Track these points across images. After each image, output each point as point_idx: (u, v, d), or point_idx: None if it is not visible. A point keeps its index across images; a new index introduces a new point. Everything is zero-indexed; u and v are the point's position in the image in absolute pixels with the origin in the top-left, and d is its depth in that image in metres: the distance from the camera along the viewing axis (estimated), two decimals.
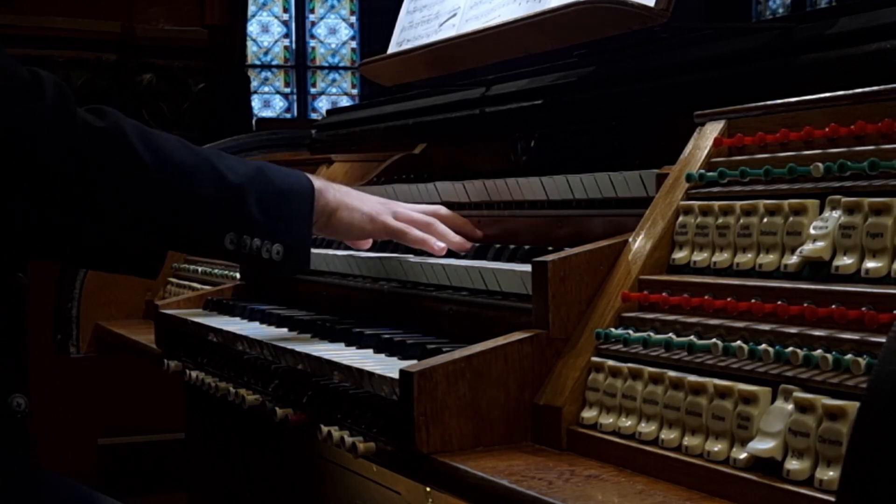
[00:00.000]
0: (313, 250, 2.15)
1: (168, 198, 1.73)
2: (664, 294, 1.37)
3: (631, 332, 1.36)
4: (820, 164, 1.28)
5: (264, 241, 1.77)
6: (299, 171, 1.89)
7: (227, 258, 1.83)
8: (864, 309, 1.11)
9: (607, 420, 1.33)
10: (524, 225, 1.99)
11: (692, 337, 1.28)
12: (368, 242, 2.03)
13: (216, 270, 2.89)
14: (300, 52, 13.34)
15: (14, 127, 1.60)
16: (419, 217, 1.97)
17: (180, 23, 5.23)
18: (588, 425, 1.35)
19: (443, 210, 2.02)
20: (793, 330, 1.17)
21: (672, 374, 1.26)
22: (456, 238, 1.98)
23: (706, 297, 1.30)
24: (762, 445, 1.11)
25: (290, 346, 1.80)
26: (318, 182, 1.87)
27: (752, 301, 1.24)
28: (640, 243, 1.47)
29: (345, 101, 13.08)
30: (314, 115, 12.70)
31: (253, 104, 10.96)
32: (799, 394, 1.09)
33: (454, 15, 2.38)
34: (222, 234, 1.76)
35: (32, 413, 1.76)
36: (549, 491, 1.18)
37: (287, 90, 13.31)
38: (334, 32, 13.51)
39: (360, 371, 1.55)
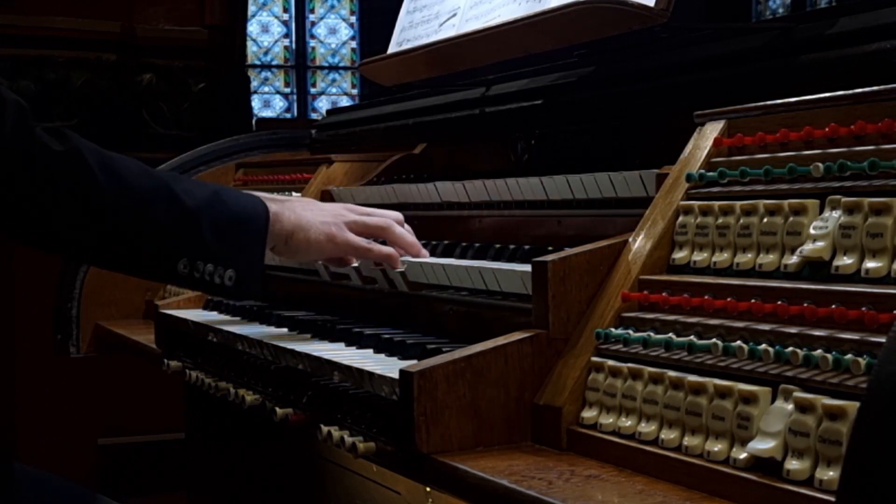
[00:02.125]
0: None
1: (123, 223, 1.75)
2: (664, 294, 1.37)
3: (631, 332, 1.36)
4: (820, 164, 1.28)
5: (217, 266, 1.78)
6: (256, 196, 1.88)
7: (179, 283, 1.84)
8: (864, 309, 1.11)
9: (607, 420, 1.33)
10: (524, 225, 1.99)
11: (692, 337, 1.28)
12: (352, 260, 2.00)
13: None
14: (300, 52, 13.34)
15: None
16: (374, 221, 1.95)
17: (180, 23, 5.22)
18: (588, 425, 1.35)
19: (394, 217, 1.99)
20: (793, 330, 1.17)
21: (672, 374, 1.26)
22: (412, 239, 1.97)
23: (706, 297, 1.30)
24: (762, 445, 1.11)
25: (290, 345, 1.80)
26: (273, 206, 1.86)
27: (752, 301, 1.24)
28: (640, 243, 1.47)
29: (345, 101, 13.08)
30: (314, 115, 12.70)
31: (253, 104, 10.96)
32: (799, 394, 1.09)
33: (454, 15, 2.38)
34: (176, 259, 1.77)
35: (30, 416, 1.76)
36: (549, 491, 1.18)
37: (287, 90, 13.31)
38: (334, 32, 13.51)
39: (360, 371, 1.55)
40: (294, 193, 2.85)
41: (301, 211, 1.90)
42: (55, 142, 1.72)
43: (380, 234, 1.96)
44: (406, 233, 1.98)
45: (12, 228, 1.76)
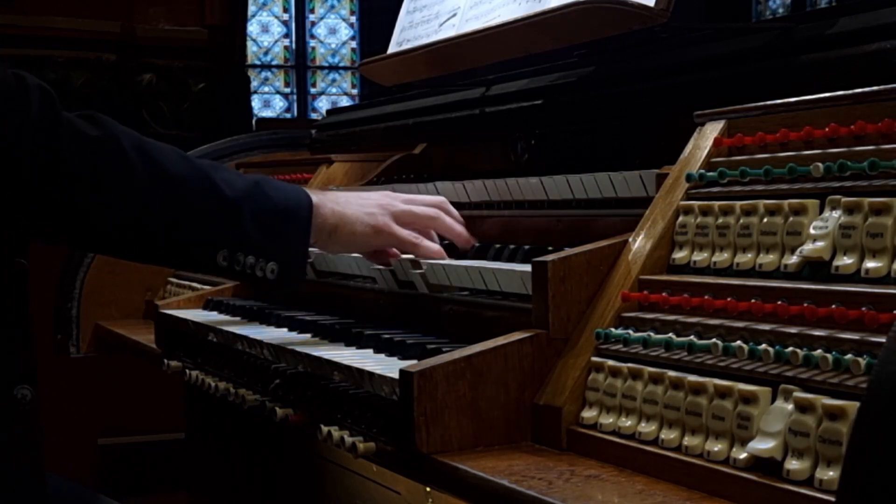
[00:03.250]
0: (313, 250, 2.15)
1: (161, 211, 1.68)
2: (664, 294, 1.37)
3: (631, 332, 1.36)
4: (820, 164, 1.28)
5: (258, 259, 1.73)
6: (298, 186, 1.83)
7: (219, 275, 1.78)
8: (864, 309, 1.11)
9: (607, 420, 1.33)
10: (524, 225, 1.99)
11: (692, 337, 1.28)
12: (396, 254, 1.93)
13: None
14: (300, 52, 13.34)
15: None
16: (423, 213, 1.91)
17: (180, 23, 5.23)
18: (588, 425, 1.35)
19: (442, 203, 1.97)
20: (793, 330, 1.17)
21: (672, 374, 1.26)
22: (460, 229, 1.93)
23: (706, 297, 1.30)
24: (762, 445, 1.11)
25: (290, 346, 1.80)
26: (315, 197, 1.81)
27: (752, 301, 1.24)
28: (640, 243, 1.47)
29: (345, 101, 13.08)
30: (314, 115, 12.70)
31: (253, 104, 10.96)
32: (799, 394, 1.09)
33: (454, 15, 2.38)
34: (215, 250, 1.71)
35: (40, 406, 1.74)
36: (549, 491, 1.18)
37: (287, 90, 13.31)
38: (334, 32, 13.51)
39: (360, 371, 1.55)
40: None
41: (345, 203, 1.84)
42: (89, 126, 1.66)
43: (429, 226, 1.92)
44: (454, 223, 1.93)
45: (43, 220, 1.68)
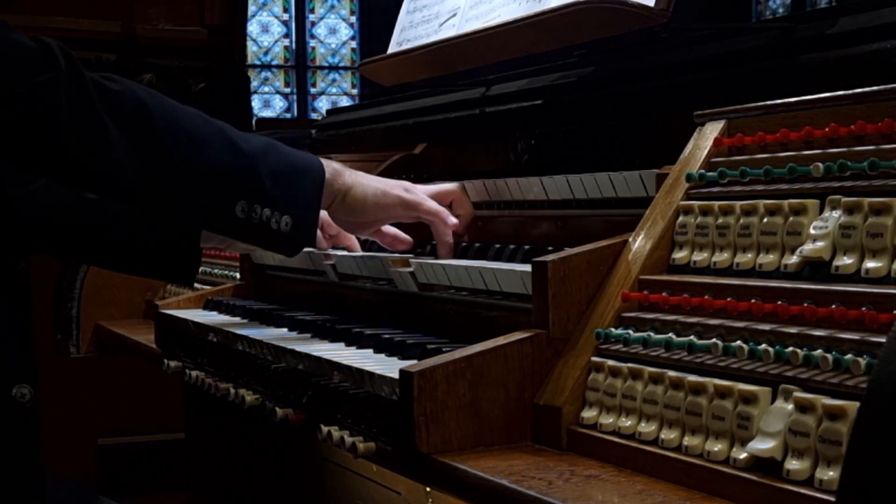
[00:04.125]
0: (314, 251, 2.15)
1: (181, 160, 1.72)
2: (664, 294, 1.37)
3: (631, 332, 1.36)
4: (820, 164, 1.28)
5: (274, 211, 1.76)
6: (309, 153, 1.90)
7: (235, 230, 1.79)
8: (864, 309, 1.11)
9: (607, 420, 1.33)
10: (524, 225, 1.99)
11: (692, 337, 1.28)
12: (408, 240, 2.03)
13: (216, 270, 2.89)
14: (300, 52, 13.34)
15: (31, 98, 1.58)
16: (442, 187, 1.99)
17: (180, 23, 5.23)
18: (588, 425, 1.35)
19: (456, 190, 2.04)
20: (793, 330, 1.17)
21: (672, 374, 1.26)
22: (448, 240, 1.99)
23: (706, 297, 1.30)
24: (762, 445, 1.11)
25: (290, 345, 1.80)
26: (335, 164, 1.89)
27: (752, 301, 1.24)
28: (640, 243, 1.47)
29: (345, 101, 13.08)
30: (314, 115, 12.70)
31: (253, 104, 10.97)
32: (799, 394, 1.09)
33: (454, 15, 2.38)
34: (233, 201, 1.74)
35: (39, 405, 1.74)
36: (549, 491, 1.18)
37: (287, 90, 13.31)
38: (334, 32, 13.51)
39: (361, 371, 1.55)
40: None
41: (362, 174, 1.93)
42: (109, 83, 1.69)
43: (448, 197, 2.00)
44: (446, 231, 1.99)
45: (72, 179, 1.70)
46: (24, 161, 1.67)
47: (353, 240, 2.18)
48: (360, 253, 2.09)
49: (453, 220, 1.98)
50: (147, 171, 1.70)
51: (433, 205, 1.96)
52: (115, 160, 1.66)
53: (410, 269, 1.87)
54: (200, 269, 2.95)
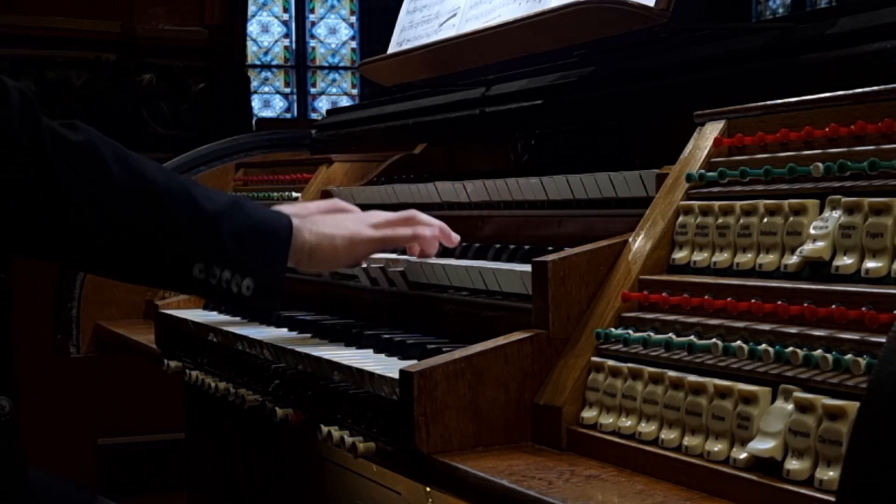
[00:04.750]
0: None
1: (138, 217, 1.67)
2: (664, 294, 1.37)
3: (631, 332, 1.36)
4: (820, 164, 1.28)
5: (234, 274, 1.70)
6: (276, 210, 1.83)
7: (193, 290, 1.75)
8: (864, 309, 1.11)
9: (607, 420, 1.33)
10: (524, 225, 1.99)
11: (692, 337, 1.28)
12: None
13: None
14: (300, 52, 13.33)
15: None
16: (396, 217, 1.91)
17: (180, 23, 5.22)
18: (588, 425, 1.35)
19: (417, 212, 1.96)
20: (793, 330, 1.17)
21: (672, 374, 1.26)
22: (438, 222, 1.92)
23: (706, 297, 1.30)
24: (762, 445, 1.11)
25: (290, 346, 1.80)
26: (295, 220, 1.80)
27: (752, 301, 1.24)
28: (640, 243, 1.47)
29: (345, 101, 13.07)
30: (314, 115, 12.69)
31: (253, 104, 10.96)
32: (799, 394, 1.09)
33: (454, 15, 2.38)
34: (192, 262, 1.69)
35: (31, 416, 1.73)
36: (549, 491, 1.18)
37: (287, 90, 13.30)
38: (334, 32, 13.51)
39: (361, 371, 1.55)
40: (294, 194, 2.85)
41: (322, 223, 1.85)
42: (69, 132, 1.64)
43: (407, 225, 1.90)
44: (432, 219, 1.93)
45: (21, 226, 1.65)
46: None
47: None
48: None
49: (433, 230, 1.89)
50: (98, 225, 1.65)
51: (406, 232, 1.87)
52: (66, 212, 1.62)
53: (401, 269, 1.86)
54: None
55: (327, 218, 1.88)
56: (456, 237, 1.93)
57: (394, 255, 2.01)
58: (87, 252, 1.70)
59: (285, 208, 1.87)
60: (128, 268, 1.76)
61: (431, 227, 1.92)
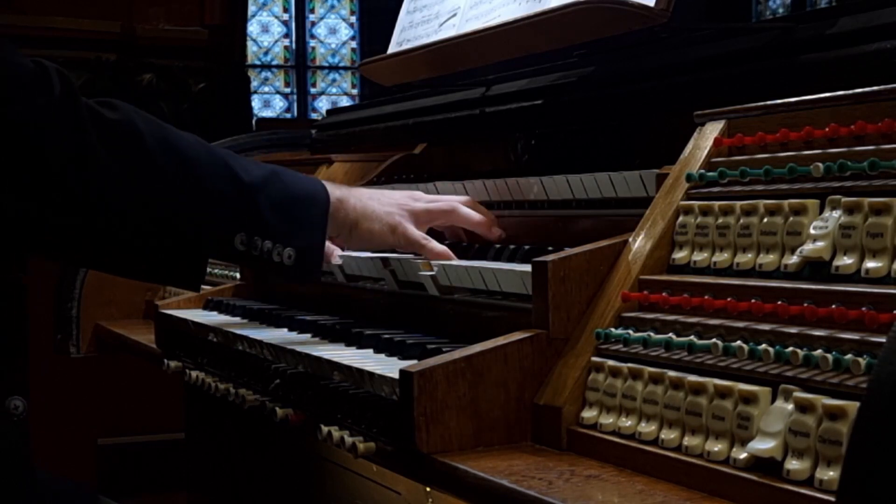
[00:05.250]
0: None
1: (179, 193, 1.68)
2: (664, 294, 1.37)
3: (631, 332, 1.36)
4: (820, 164, 1.28)
5: (276, 243, 1.74)
6: (315, 178, 1.85)
7: (236, 260, 1.78)
8: (864, 309, 1.11)
9: (607, 420, 1.33)
10: (524, 225, 1.99)
11: (692, 337, 1.28)
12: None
13: (216, 270, 2.89)
14: (300, 52, 13.34)
15: (23, 120, 1.57)
16: (438, 207, 1.94)
17: (180, 23, 5.23)
18: (588, 425, 1.35)
19: (461, 200, 1.99)
20: (793, 330, 1.17)
21: (672, 374, 1.26)
22: (479, 217, 1.95)
23: (706, 297, 1.30)
24: (762, 445, 1.11)
25: (290, 346, 1.80)
26: (338, 191, 1.83)
27: (752, 301, 1.24)
28: (640, 243, 1.47)
29: (345, 101, 13.08)
30: (314, 115, 12.69)
31: (253, 104, 10.96)
32: (799, 394, 1.09)
33: (454, 15, 2.38)
34: (233, 233, 1.72)
35: (31, 416, 1.73)
36: (549, 491, 1.18)
37: (287, 90, 13.31)
38: (334, 32, 13.51)
39: (361, 371, 1.55)
40: None
41: (367, 200, 1.88)
42: (107, 110, 1.66)
43: (447, 219, 1.94)
44: (472, 213, 1.95)
45: (61, 209, 1.63)
46: (12, 186, 1.61)
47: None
48: (362, 254, 2.09)
49: (442, 248, 1.90)
50: (139, 201, 1.66)
51: (437, 248, 1.88)
52: (105, 190, 1.63)
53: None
54: None
55: (373, 195, 1.91)
56: (497, 233, 1.96)
57: (394, 255, 2.01)
58: (126, 228, 1.69)
59: (399, 195, 1.93)
60: (170, 243, 1.74)
61: (469, 220, 1.95)
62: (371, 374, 1.52)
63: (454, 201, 1.97)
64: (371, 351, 1.71)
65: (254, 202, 1.73)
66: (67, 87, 1.62)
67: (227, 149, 1.83)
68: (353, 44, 13.51)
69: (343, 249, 2.01)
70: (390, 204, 1.91)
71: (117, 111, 1.67)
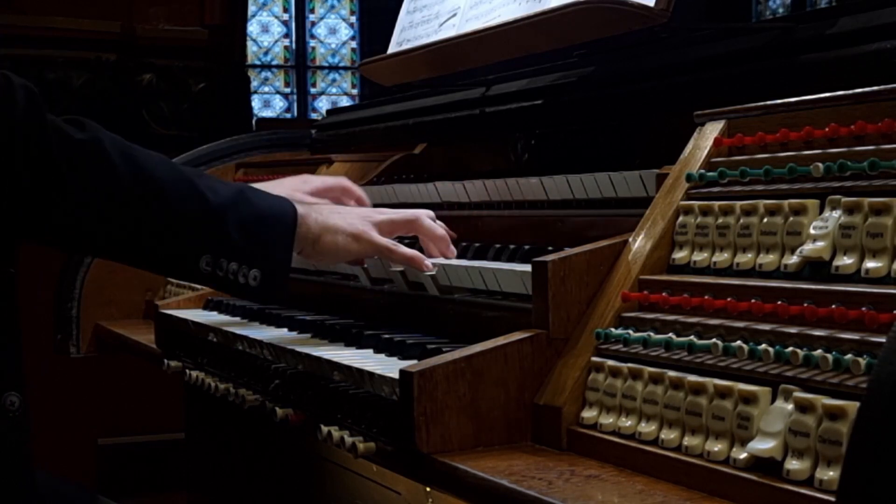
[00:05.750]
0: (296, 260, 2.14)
1: (144, 214, 1.69)
2: (664, 294, 1.37)
3: (631, 332, 1.36)
4: (820, 164, 1.28)
5: (241, 265, 1.73)
6: (283, 197, 1.84)
7: (201, 281, 1.77)
8: (864, 309, 1.11)
9: (607, 420, 1.33)
10: (524, 225, 1.99)
11: (692, 337, 1.28)
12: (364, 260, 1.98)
13: None
14: (300, 52, 13.33)
15: None
16: (401, 217, 1.92)
17: (180, 23, 5.23)
18: (588, 425, 1.35)
19: (424, 213, 1.96)
20: (793, 330, 1.17)
21: (672, 374, 1.26)
22: (441, 233, 1.93)
23: (706, 297, 1.30)
24: (762, 445, 1.11)
25: (290, 346, 1.80)
26: (301, 208, 1.82)
27: (752, 301, 1.24)
28: (640, 243, 1.47)
29: (345, 101, 13.07)
30: (314, 115, 12.69)
31: (253, 104, 10.96)
32: (799, 394, 1.09)
33: (454, 15, 2.38)
34: (198, 255, 1.71)
35: (29, 412, 1.73)
36: (549, 491, 1.18)
37: (287, 90, 13.30)
38: (334, 32, 13.51)
39: (361, 371, 1.55)
40: None
41: (329, 214, 1.86)
42: (74, 129, 1.66)
43: (409, 229, 1.92)
44: (435, 226, 1.94)
45: (26, 220, 1.67)
46: None
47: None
48: None
49: (427, 263, 1.86)
50: (103, 222, 1.67)
51: (404, 252, 1.86)
52: (70, 211, 1.64)
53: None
54: None
55: (334, 210, 1.90)
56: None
57: None
58: (92, 247, 1.73)
59: (290, 182, 1.88)
60: (135, 261, 1.78)
61: (432, 234, 1.93)
62: (371, 374, 1.52)
63: (418, 212, 1.95)
64: (371, 351, 1.71)
65: (220, 223, 1.72)
66: (32, 104, 1.61)
67: (202, 171, 1.83)
68: (353, 44, 13.51)
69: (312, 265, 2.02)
70: (353, 216, 1.89)
71: (84, 130, 1.67)
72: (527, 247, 1.86)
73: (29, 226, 1.69)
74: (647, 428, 1.27)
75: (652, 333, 1.33)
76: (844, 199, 1.22)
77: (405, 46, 2.51)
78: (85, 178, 1.65)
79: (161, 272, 1.90)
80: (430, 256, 1.90)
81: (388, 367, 1.53)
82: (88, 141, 1.66)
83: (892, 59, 1.48)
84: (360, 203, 2.16)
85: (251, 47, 12.64)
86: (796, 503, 1.05)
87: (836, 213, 1.23)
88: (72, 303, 3.24)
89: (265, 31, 13.26)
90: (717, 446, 1.17)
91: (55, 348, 3.28)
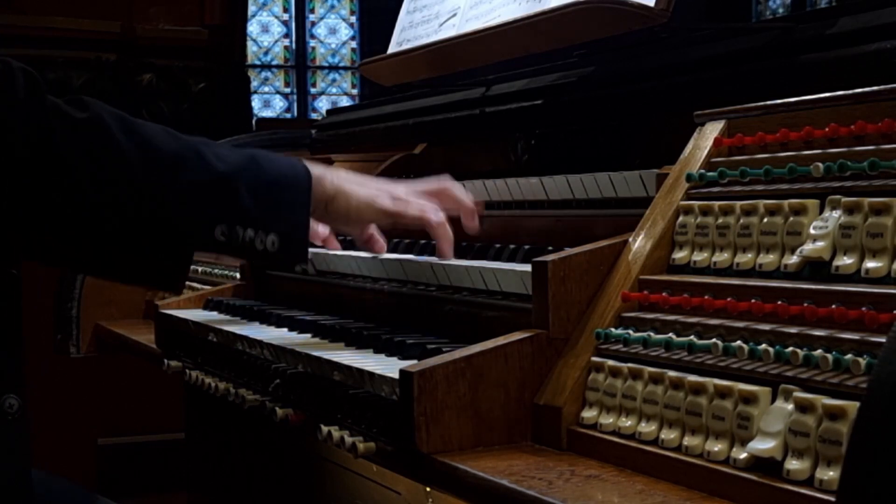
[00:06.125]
0: (314, 250, 2.14)
1: (153, 189, 1.63)
2: (664, 294, 1.37)
3: (631, 332, 1.36)
4: (820, 164, 1.28)
5: (258, 231, 1.68)
6: (295, 157, 1.80)
7: (219, 251, 1.72)
8: (864, 309, 1.11)
9: (607, 420, 1.33)
10: (524, 225, 1.99)
11: (692, 337, 1.28)
12: (382, 246, 1.95)
13: (216, 270, 2.89)
14: (300, 52, 13.34)
15: None
16: (426, 188, 1.88)
17: (180, 23, 5.23)
18: (588, 425, 1.35)
19: (453, 183, 1.93)
20: (793, 330, 1.17)
21: (672, 374, 1.26)
22: (468, 202, 1.89)
23: (706, 297, 1.30)
24: (762, 445, 1.11)
25: (290, 346, 1.80)
26: (316, 169, 1.78)
27: (752, 301, 1.24)
28: (640, 243, 1.47)
29: (345, 101, 13.08)
30: (314, 115, 12.69)
31: (253, 104, 10.96)
32: (799, 394, 1.09)
33: (454, 15, 2.38)
34: (212, 225, 1.66)
35: (28, 414, 1.72)
36: (549, 491, 1.18)
37: (287, 90, 13.31)
38: (334, 32, 13.51)
39: (361, 371, 1.55)
40: None
41: (345, 178, 1.83)
42: (75, 109, 1.61)
43: (437, 198, 1.88)
44: (464, 195, 1.90)
45: (28, 208, 1.60)
46: None
47: (333, 240, 2.14)
48: (362, 253, 2.09)
49: (439, 216, 1.85)
50: (111, 201, 1.62)
51: (415, 210, 1.84)
52: (75, 190, 1.59)
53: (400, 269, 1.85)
54: (200, 268, 2.96)
55: (352, 175, 1.86)
56: (475, 225, 1.88)
57: (394, 256, 2.01)
58: (103, 236, 1.65)
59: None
60: (147, 241, 1.69)
61: (460, 204, 1.89)
62: (371, 374, 1.52)
63: (446, 182, 1.90)
64: (371, 351, 1.71)
65: (231, 191, 1.67)
66: (32, 87, 1.58)
67: (203, 138, 1.77)
68: (353, 44, 13.51)
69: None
70: (369, 184, 1.85)
71: (86, 109, 1.63)
72: (527, 247, 1.86)
73: (31, 216, 1.62)
74: (647, 428, 1.27)
75: (652, 333, 1.33)
76: (844, 199, 1.22)
77: (405, 46, 2.51)
78: (89, 159, 1.60)
79: (178, 250, 1.78)
80: (441, 255, 1.88)
81: (387, 367, 1.53)
82: (90, 119, 1.61)
83: (892, 59, 1.48)
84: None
85: (251, 47, 12.64)
86: (796, 503, 1.05)
87: (836, 213, 1.23)
88: (72, 303, 3.24)
89: (265, 31, 13.27)
90: (717, 446, 1.17)
91: (55, 348, 3.28)
